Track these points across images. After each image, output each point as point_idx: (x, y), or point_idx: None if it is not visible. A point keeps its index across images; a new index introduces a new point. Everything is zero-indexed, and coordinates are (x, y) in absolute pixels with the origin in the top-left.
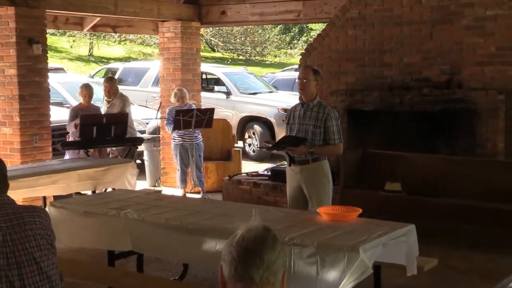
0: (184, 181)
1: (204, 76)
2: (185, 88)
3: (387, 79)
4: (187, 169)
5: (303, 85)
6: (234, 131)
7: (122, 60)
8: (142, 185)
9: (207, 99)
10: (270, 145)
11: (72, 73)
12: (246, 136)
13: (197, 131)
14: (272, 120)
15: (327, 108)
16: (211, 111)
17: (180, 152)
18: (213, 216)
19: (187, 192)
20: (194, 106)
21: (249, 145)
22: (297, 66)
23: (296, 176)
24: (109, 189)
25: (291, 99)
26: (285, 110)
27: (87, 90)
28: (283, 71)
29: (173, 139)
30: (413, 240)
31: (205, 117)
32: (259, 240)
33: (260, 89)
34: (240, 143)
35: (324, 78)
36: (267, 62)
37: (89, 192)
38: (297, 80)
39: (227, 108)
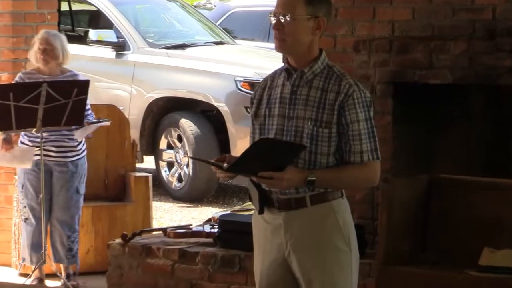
0: (38, 249)
1: (66, 7)
2: (26, 35)
3: (484, 14)
4: (46, 222)
5: (281, 30)
6: (135, 133)
7: None
8: None
9: (76, 59)
10: (225, 164)
11: None
12: (164, 144)
13: (69, 133)
14: (223, 108)
15: (345, 81)
16: (81, 86)
17: (34, 182)
18: None
19: (26, 275)
20: (80, 77)
21: (170, 165)
22: None
23: (277, 235)
24: None
25: (266, 59)
26: (251, 85)
27: None
28: None
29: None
30: None
31: (67, 101)
32: None
33: (193, 36)
34: (148, 161)
35: (338, 13)
36: None
37: None
38: (271, 18)
39: (121, 81)
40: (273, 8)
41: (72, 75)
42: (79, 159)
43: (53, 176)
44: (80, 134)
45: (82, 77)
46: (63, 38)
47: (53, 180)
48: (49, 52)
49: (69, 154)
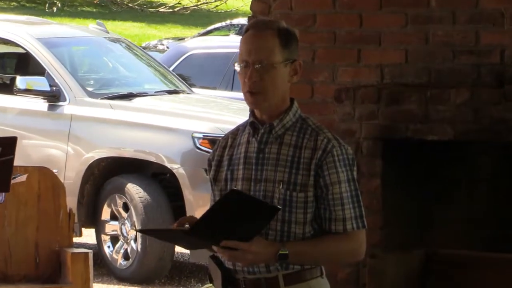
0: None
1: None
2: None
3: (490, 57)
4: None
5: (258, 82)
6: (72, 201)
7: None
8: None
9: (0, 112)
10: (187, 226)
11: None
12: (106, 214)
13: None
14: (178, 170)
15: (323, 135)
16: (7, 145)
17: None
18: None
19: None
20: None
21: (114, 239)
22: (244, 22)
23: None
24: None
25: (230, 112)
26: (212, 143)
27: None
28: (206, 33)
29: None
30: None
31: None
32: None
33: (142, 83)
34: (88, 234)
35: (317, 56)
36: (162, 10)
37: None
38: (238, 66)
39: (54, 138)
40: (237, 50)
41: (6, 138)
42: None
43: None
44: None
45: None
46: None
47: None
48: None
49: None
